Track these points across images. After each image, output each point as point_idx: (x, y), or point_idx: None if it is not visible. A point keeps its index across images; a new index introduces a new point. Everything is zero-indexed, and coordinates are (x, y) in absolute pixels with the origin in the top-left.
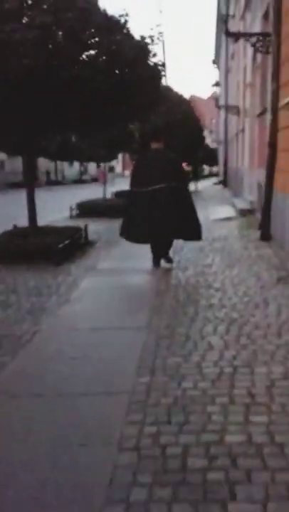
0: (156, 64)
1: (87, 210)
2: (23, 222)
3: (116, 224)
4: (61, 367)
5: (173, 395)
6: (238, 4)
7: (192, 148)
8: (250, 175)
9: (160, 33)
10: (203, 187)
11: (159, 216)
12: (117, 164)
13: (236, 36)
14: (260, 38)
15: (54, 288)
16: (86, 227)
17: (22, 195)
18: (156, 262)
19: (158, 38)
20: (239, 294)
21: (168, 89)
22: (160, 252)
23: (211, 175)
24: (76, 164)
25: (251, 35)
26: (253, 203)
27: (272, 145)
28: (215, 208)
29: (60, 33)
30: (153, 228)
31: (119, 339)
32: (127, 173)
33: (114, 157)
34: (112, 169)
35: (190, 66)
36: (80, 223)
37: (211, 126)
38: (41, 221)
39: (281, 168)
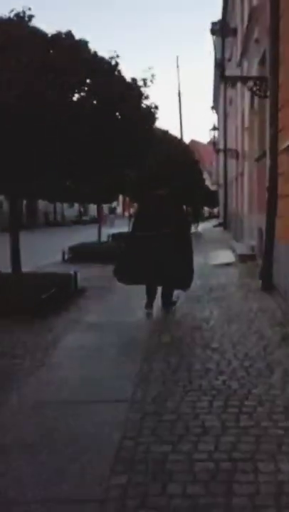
0: (148, 106)
1: (81, 254)
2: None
3: (110, 270)
4: (12, 462)
5: (154, 505)
6: (234, 51)
7: (192, 191)
8: (250, 219)
9: (153, 75)
10: (203, 229)
11: (157, 261)
12: (118, 205)
13: (232, 80)
14: (257, 82)
15: (30, 347)
16: (76, 274)
17: (21, 238)
18: (149, 304)
19: (151, 81)
20: (239, 357)
21: (165, 133)
22: (154, 295)
23: (211, 216)
24: (76, 205)
25: (248, 78)
26: (253, 248)
27: (272, 190)
28: (214, 252)
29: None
30: (149, 272)
31: (94, 417)
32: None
33: (115, 199)
34: (113, 210)
35: (190, 112)
36: (71, 268)
37: (211, 168)
38: (32, 266)
39: (282, 215)
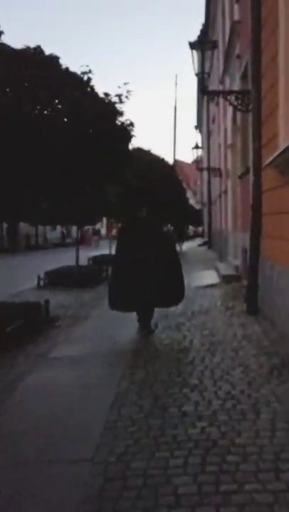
0: (123, 123)
1: (58, 278)
2: None
3: (86, 295)
4: None
5: None
6: (214, 65)
7: (176, 210)
8: (234, 238)
9: (128, 91)
10: (187, 248)
11: (148, 283)
12: (102, 227)
13: (214, 95)
14: (239, 96)
15: None
16: (47, 302)
17: None
18: (143, 328)
19: (126, 97)
20: (221, 396)
21: (147, 152)
22: (147, 320)
23: (196, 235)
24: (59, 227)
25: (229, 92)
26: (238, 269)
27: (256, 208)
28: (198, 272)
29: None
30: (139, 296)
31: (47, 485)
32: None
33: (98, 220)
34: (97, 232)
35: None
36: (46, 295)
37: (196, 187)
38: (4, 293)
39: (267, 234)
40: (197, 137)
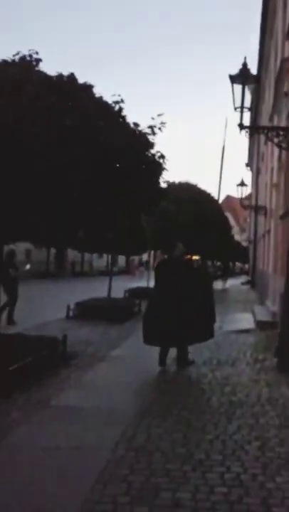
0: (154, 156)
1: (89, 310)
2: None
3: (113, 331)
4: None
5: None
6: (266, 105)
7: (221, 246)
8: (274, 281)
9: (162, 123)
10: (231, 285)
11: (177, 320)
12: (149, 258)
13: (251, 130)
14: (281, 133)
15: None
16: (65, 337)
17: (40, 287)
18: (162, 361)
19: (159, 128)
20: (227, 481)
21: (194, 186)
22: (167, 351)
23: (243, 272)
24: (106, 255)
25: (270, 128)
26: (275, 315)
27: None
28: (234, 315)
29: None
30: (170, 332)
31: None
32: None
33: (143, 251)
34: (144, 263)
35: (227, 167)
36: (73, 326)
37: (245, 224)
38: (31, 322)
39: None
40: (247, 175)
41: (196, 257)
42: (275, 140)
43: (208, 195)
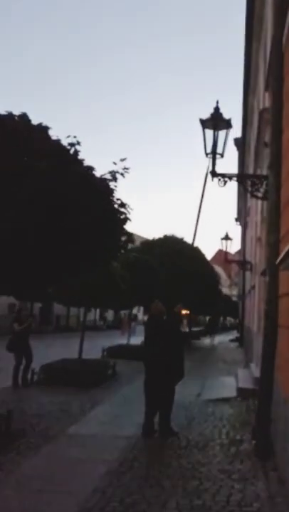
0: (112, 203)
1: (55, 374)
2: None
3: (77, 400)
4: None
5: None
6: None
7: (209, 300)
8: (257, 342)
9: (126, 168)
10: (220, 342)
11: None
12: (139, 312)
13: (224, 177)
14: (256, 181)
15: None
16: (9, 413)
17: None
18: (146, 428)
19: (122, 174)
20: None
21: (179, 240)
22: (166, 421)
23: (233, 327)
24: (93, 309)
25: (245, 177)
26: (258, 382)
27: (270, 316)
28: (216, 379)
29: None
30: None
31: None
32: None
33: (133, 305)
34: (134, 317)
35: (219, 221)
36: (30, 395)
37: (237, 279)
38: None
39: (282, 354)
40: (238, 230)
41: (186, 312)
42: (250, 189)
43: (196, 249)
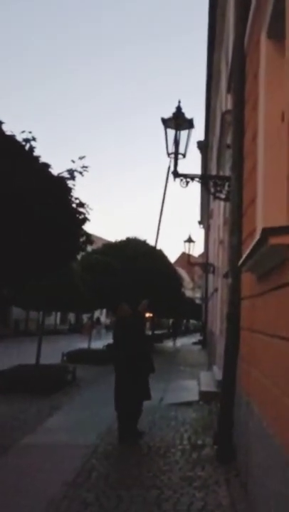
0: (70, 202)
1: (12, 381)
2: None
3: (32, 408)
4: None
5: None
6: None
7: (172, 303)
8: (220, 344)
9: (84, 166)
10: (182, 344)
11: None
12: (102, 315)
13: (186, 178)
14: (218, 182)
15: None
16: None
17: None
18: (122, 436)
19: (80, 173)
20: None
21: (141, 242)
22: (127, 423)
23: (196, 330)
24: (54, 313)
25: (208, 177)
26: (220, 384)
27: (232, 319)
28: (178, 382)
29: None
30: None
31: None
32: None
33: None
34: (97, 321)
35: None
36: None
37: (200, 281)
38: None
39: (243, 357)
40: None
41: (149, 314)
42: (212, 190)
43: (159, 251)
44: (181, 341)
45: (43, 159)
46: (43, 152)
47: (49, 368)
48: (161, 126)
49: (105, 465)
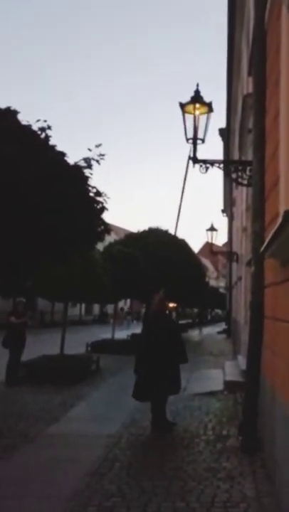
0: (87, 191)
1: (37, 371)
2: None
3: (59, 397)
4: None
5: None
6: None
7: (196, 293)
8: (245, 333)
9: (101, 155)
10: (207, 334)
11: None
12: (126, 305)
13: (205, 163)
14: (239, 167)
15: None
16: None
17: None
18: (158, 426)
19: (97, 161)
20: None
21: (163, 232)
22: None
23: (221, 319)
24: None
25: (226, 162)
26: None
27: (256, 308)
28: (203, 372)
29: None
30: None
31: None
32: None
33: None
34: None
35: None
36: (8, 394)
37: (224, 271)
38: None
39: (268, 346)
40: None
41: (173, 305)
42: (234, 176)
43: (181, 240)
44: (206, 330)
45: (61, 149)
46: (60, 143)
47: (73, 358)
48: (179, 110)
49: (128, 455)
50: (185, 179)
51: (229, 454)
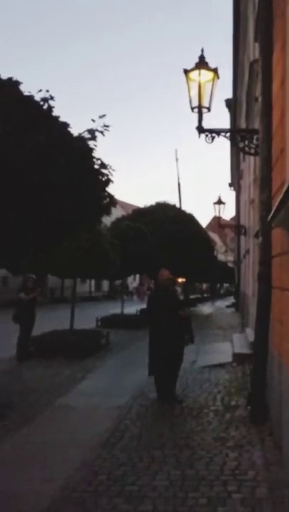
0: (91, 163)
1: (47, 346)
2: None
3: (69, 370)
4: None
5: None
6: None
7: (205, 267)
8: (253, 306)
9: (105, 126)
10: (216, 308)
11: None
12: (135, 281)
13: (211, 133)
14: (246, 135)
15: None
16: None
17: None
18: (161, 397)
19: (101, 132)
20: None
21: (171, 207)
22: (165, 386)
23: (230, 294)
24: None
25: (234, 131)
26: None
27: (264, 278)
28: (211, 345)
29: None
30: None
31: None
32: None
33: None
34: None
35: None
36: (20, 368)
37: (233, 245)
38: None
39: (276, 316)
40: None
41: (182, 280)
42: (241, 144)
43: (189, 215)
44: (215, 304)
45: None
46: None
47: (83, 333)
48: (183, 78)
49: (138, 426)
50: (179, 186)
51: (238, 424)
